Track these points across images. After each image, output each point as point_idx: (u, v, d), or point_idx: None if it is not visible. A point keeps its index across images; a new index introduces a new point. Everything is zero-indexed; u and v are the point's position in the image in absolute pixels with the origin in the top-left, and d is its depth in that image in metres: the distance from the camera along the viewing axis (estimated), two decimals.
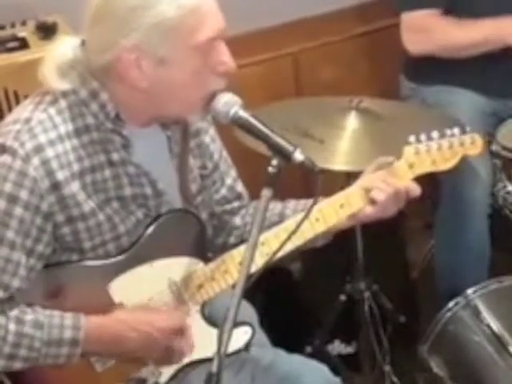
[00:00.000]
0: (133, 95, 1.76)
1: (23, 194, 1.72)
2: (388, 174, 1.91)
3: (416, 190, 1.90)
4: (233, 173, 2.07)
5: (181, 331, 1.87)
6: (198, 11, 1.70)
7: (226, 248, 1.98)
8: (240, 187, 2.08)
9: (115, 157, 1.80)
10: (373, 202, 1.88)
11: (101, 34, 1.72)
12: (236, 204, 2.07)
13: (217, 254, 1.94)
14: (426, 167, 1.94)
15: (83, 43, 1.79)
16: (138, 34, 1.69)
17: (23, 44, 2.56)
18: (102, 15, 1.72)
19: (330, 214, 1.88)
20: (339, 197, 1.89)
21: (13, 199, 1.72)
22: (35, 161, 1.72)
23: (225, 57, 1.76)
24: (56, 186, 1.74)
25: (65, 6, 2.72)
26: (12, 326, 1.72)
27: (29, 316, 1.75)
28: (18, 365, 1.75)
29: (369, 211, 1.89)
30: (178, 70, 1.73)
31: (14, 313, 1.74)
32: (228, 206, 2.06)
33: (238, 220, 2.07)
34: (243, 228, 2.06)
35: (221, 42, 1.76)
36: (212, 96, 1.76)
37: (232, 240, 2.06)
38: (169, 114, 1.82)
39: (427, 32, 2.83)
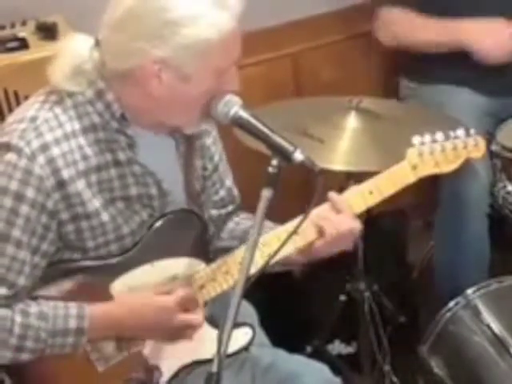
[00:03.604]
0: (143, 100, 1.76)
1: (29, 193, 1.72)
2: (331, 208, 1.88)
3: (356, 226, 1.88)
4: (230, 176, 2.08)
5: (189, 305, 1.86)
6: (232, 37, 1.71)
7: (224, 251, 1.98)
8: (236, 191, 2.09)
9: (121, 156, 1.81)
10: (321, 233, 1.87)
11: (127, 40, 1.70)
12: (230, 208, 2.08)
13: (215, 256, 1.94)
14: (429, 169, 1.94)
15: (97, 43, 1.78)
16: (169, 48, 1.68)
17: (23, 44, 2.56)
18: (131, 21, 1.70)
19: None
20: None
21: (19, 197, 1.72)
22: (41, 159, 1.72)
23: (235, 79, 1.78)
24: (61, 184, 1.74)
25: (65, 6, 2.73)
26: (18, 318, 1.73)
27: (33, 308, 1.76)
28: (25, 356, 1.76)
29: (318, 245, 1.88)
30: (195, 87, 1.73)
31: (19, 306, 1.75)
32: (223, 211, 2.07)
33: (231, 225, 2.08)
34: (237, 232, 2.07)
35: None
36: (208, 104, 1.77)
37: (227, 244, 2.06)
38: (169, 123, 1.83)
39: (393, 26, 2.91)
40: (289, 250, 1.84)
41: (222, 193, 2.06)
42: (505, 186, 2.70)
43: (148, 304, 1.84)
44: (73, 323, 1.77)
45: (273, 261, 1.72)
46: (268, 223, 1.91)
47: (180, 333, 1.88)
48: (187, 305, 1.86)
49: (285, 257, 1.84)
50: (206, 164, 2.00)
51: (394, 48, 2.95)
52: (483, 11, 2.78)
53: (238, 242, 2.00)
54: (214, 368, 1.51)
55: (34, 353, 1.76)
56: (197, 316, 1.87)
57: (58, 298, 1.80)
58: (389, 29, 2.93)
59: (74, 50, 1.79)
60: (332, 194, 1.88)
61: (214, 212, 2.05)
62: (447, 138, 1.95)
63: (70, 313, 1.77)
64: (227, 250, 1.93)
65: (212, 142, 2.01)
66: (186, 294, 1.85)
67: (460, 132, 1.96)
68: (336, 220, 1.86)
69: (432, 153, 1.93)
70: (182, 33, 1.67)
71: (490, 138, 2.67)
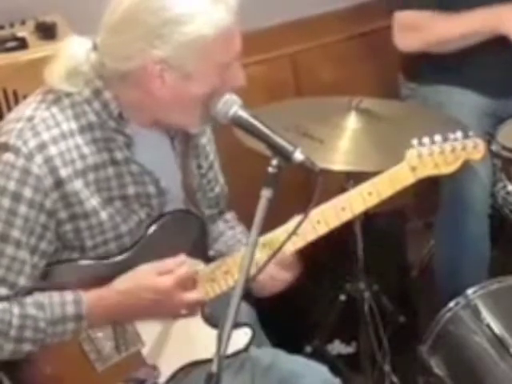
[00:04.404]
0: (145, 100, 1.77)
1: (27, 192, 1.72)
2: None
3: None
4: (221, 174, 2.09)
5: (188, 283, 1.86)
6: (229, 31, 1.71)
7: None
8: (225, 188, 2.10)
9: (118, 155, 1.81)
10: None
11: (126, 42, 1.71)
12: (222, 205, 2.09)
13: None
14: (428, 170, 1.94)
15: (95, 46, 1.78)
16: (168, 48, 1.68)
17: (22, 44, 2.56)
18: (130, 23, 1.70)
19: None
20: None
21: (17, 197, 1.72)
22: (38, 159, 1.72)
23: (240, 75, 1.78)
24: (59, 183, 1.75)
25: (64, 5, 2.73)
26: (16, 310, 1.74)
27: (29, 299, 1.76)
28: (26, 347, 1.76)
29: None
30: (198, 85, 1.74)
31: (17, 299, 1.75)
32: (215, 210, 2.07)
33: (220, 225, 2.09)
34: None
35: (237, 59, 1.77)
36: (207, 104, 1.77)
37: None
38: (170, 122, 1.83)
39: (418, 29, 2.83)
40: (288, 250, 1.84)
41: (217, 190, 2.07)
42: (505, 186, 2.70)
43: (146, 285, 1.83)
44: (70, 309, 1.77)
45: (273, 261, 1.72)
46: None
47: (180, 311, 1.87)
48: (186, 283, 1.85)
49: None
50: (201, 162, 2.00)
51: (412, 52, 2.87)
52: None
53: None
54: (214, 368, 1.51)
55: (35, 343, 1.76)
56: (195, 294, 1.87)
57: None
58: (415, 33, 2.83)
59: (71, 52, 1.79)
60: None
61: (207, 212, 2.05)
62: (446, 139, 1.95)
63: (66, 299, 1.78)
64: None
65: (207, 140, 2.01)
66: (184, 273, 1.85)
67: (459, 134, 1.97)
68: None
69: (431, 154, 1.94)
70: (180, 31, 1.67)
71: (489, 138, 2.67)
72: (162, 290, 1.83)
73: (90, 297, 1.79)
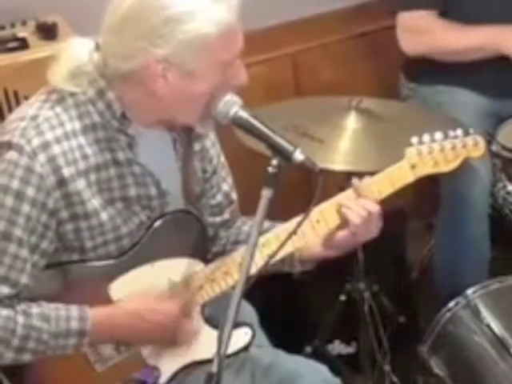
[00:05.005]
0: (147, 99, 1.76)
1: (30, 191, 1.72)
2: (355, 193, 1.89)
3: (375, 210, 1.88)
4: (229, 180, 2.07)
5: (188, 312, 1.88)
6: (230, 30, 1.71)
7: (224, 253, 1.98)
8: (234, 196, 2.08)
9: (121, 156, 1.81)
10: (345, 222, 1.88)
11: (128, 41, 1.70)
12: (227, 215, 2.07)
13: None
14: (428, 169, 1.94)
15: (97, 47, 1.78)
16: (170, 46, 1.68)
17: (23, 44, 2.56)
18: (132, 21, 1.70)
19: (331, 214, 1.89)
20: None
21: (20, 196, 1.72)
22: (41, 157, 1.72)
23: (241, 73, 1.78)
24: (62, 183, 1.75)
25: (65, 6, 2.73)
26: (20, 319, 1.74)
27: (35, 309, 1.76)
28: (26, 357, 1.76)
29: (342, 236, 1.89)
30: (200, 83, 1.73)
31: (21, 307, 1.75)
32: (219, 218, 2.06)
33: (232, 230, 2.08)
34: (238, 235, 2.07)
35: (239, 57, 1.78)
36: (208, 104, 1.77)
37: (228, 247, 2.06)
38: (175, 121, 1.82)
39: (422, 33, 2.84)
40: (288, 250, 1.85)
41: (219, 197, 2.05)
42: (505, 186, 2.71)
43: (154, 308, 1.84)
44: (75, 325, 1.77)
45: (272, 261, 1.72)
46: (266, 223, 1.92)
47: (179, 337, 1.89)
48: (186, 310, 1.87)
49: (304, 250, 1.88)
50: (205, 166, 2.00)
51: (416, 55, 2.88)
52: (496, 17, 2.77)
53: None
54: (214, 368, 1.51)
55: (36, 354, 1.76)
56: (191, 323, 1.89)
57: (57, 298, 1.80)
58: (420, 37, 2.84)
59: (73, 53, 1.79)
60: (355, 181, 1.89)
61: (210, 219, 2.04)
62: (446, 137, 1.95)
63: (71, 314, 1.78)
64: None
65: (211, 144, 2.01)
66: (186, 301, 1.87)
67: (459, 131, 1.97)
68: (358, 207, 1.86)
69: (431, 152, 1.93)
70: (182, 29, 1.67)
71: (489, 138, 2.67)
72: (170, 315, 1.84)
73: (95, 315, 1.79)
